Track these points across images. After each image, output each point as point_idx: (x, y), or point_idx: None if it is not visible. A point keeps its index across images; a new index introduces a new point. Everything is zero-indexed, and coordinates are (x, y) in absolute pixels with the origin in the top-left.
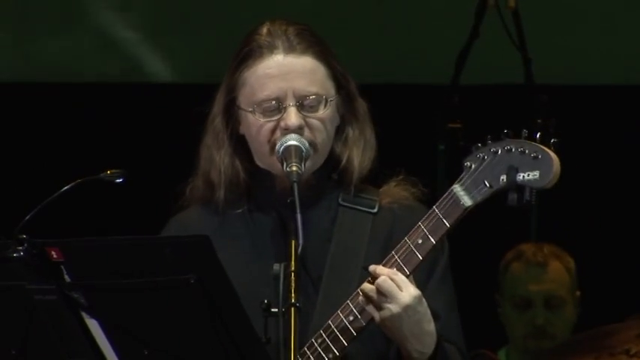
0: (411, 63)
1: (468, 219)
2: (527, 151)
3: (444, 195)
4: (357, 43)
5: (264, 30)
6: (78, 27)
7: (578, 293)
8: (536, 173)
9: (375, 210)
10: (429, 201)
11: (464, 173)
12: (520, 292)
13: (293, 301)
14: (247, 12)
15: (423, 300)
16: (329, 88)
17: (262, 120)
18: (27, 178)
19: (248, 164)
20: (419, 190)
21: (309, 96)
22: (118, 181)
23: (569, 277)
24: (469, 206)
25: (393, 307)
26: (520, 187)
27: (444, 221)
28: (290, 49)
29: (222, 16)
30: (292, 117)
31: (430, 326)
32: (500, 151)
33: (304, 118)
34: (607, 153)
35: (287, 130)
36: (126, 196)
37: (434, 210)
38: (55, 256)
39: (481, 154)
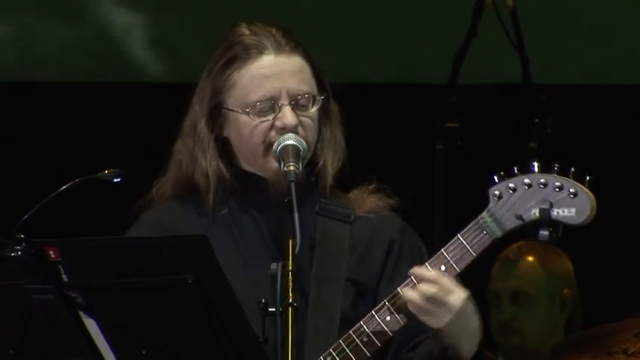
0: (409, 62)
1: (472, 219)
2: (564, 188)
3: (471, 224)
4: (355, 43)
5: (246, 31)
6: (78, 23)
7: (566, 291)
8: (572, 211)
9: (352, 219)
10: (422, 206)
11: (492, 203)
12: (491, 288)
13: (290, 300)
14: (248, 12)
15: (470, 299)
16: (315, 87)
17: (257, 120)
18: (25, 178)
19: (230, 167)
20: (394, 201)
21: (301, 95)
22: (115, 180)
23: (545, 274)
24: (498, 237)
25: (446, 314)
26: (552, 223)
27: (470, 251)
28: (279, 49)
29: (222, 15)
30: (289, 116)
31: (477, 323)
32: (534, 184)
33: (297, 116)
34: (605, 153)
35: (284, 130)
36: (124, 195)
37: (458, 238)
38: (52, 255)
39: (511, 185)
